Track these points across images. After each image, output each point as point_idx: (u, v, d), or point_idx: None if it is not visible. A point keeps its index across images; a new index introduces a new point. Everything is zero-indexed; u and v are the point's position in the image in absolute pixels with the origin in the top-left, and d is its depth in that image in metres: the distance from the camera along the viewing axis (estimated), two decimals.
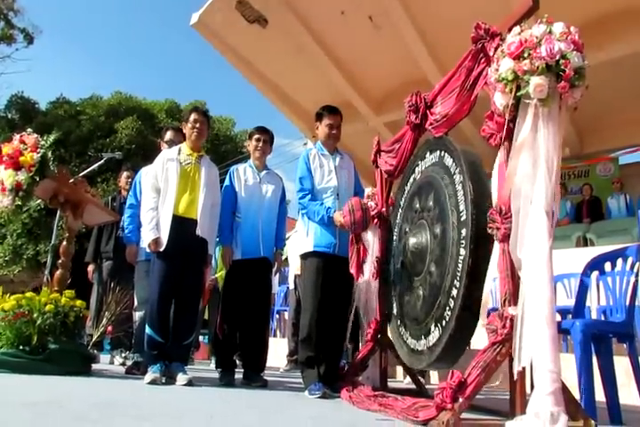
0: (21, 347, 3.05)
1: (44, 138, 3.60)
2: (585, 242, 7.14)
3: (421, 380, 4.03)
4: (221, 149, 16.76)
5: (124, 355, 4.52)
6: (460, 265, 2.30)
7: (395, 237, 3.21)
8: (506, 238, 2.03)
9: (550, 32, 1.83)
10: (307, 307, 3.24)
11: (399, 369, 5.07)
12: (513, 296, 2.01)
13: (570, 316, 4.49)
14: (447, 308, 2.35)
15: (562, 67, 1.80)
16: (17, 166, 3.42)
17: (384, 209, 3.47)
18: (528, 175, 1.94)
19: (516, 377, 1.89)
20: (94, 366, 3.50)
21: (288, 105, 8.13)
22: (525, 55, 1.84)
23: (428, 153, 2.86)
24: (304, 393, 2.99)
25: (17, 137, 3.58)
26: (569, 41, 1.82)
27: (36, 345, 3.06)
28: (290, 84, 7.78)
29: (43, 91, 55.45)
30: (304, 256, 3.37)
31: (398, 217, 3.21)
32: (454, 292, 2.32)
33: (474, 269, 2.23)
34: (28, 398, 2.10)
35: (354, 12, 6.24)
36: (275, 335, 7.97)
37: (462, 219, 2.35)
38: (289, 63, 7.23)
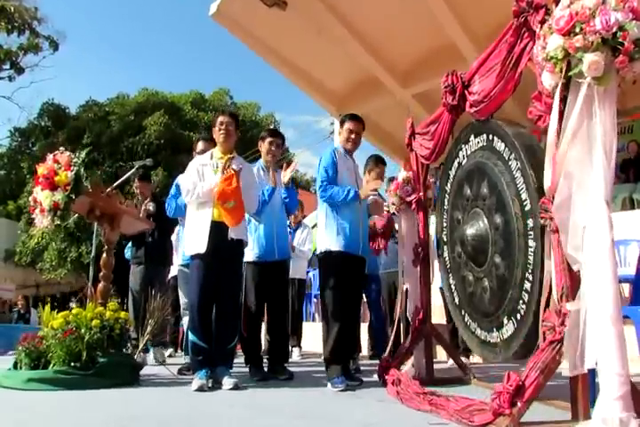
0: (72, 364, 3.09)
1: (76, 155, 3.55)
2: (632, 204, 6.74)
3: (465, 361, 3.99)
4: (248, 135, 16.71)
5: (168, 352, 4.58)
6: (530, 258, 2.17)
7: (445, 224, 3.07)
8: None
9: (604, 1, 1.63)
10: (332, 307, 3.31)
11: (440, 349, 4.95)
12: (570, 291, 1.88)
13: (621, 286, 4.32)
14: (521, 301, 2.24)
15: (619, 39, 1.61)
16: (53, 187, 3.42)
17: (422, 194, 3.35)
18: (582, 160, 1.77)
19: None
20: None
21: (313, 86, 8.01)
22: (577, 30, 1.64)
23: (473, 136, 2.68)
24: (327, 386, 3.11)
25: (50, 157, 3.56)
26: (627, 9, 1.61)
27: (86, 360, 3.10)
28: (313, 64, 7.64)
29: (71, 95, 56.24)
30: (329, 253, 3.34)
31: (446, 203, 3.06)
32: (527, 285, 2.19)
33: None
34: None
35: None
36: (314, 320, 7.93)
37: (527, 209, 2.19)
38: (310, 43, 7.07)
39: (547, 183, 1.94)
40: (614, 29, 1.60)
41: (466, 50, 6.39)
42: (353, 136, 3.52)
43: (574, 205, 1.79)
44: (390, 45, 6.97)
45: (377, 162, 4.30)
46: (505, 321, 2.35)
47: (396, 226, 3.99)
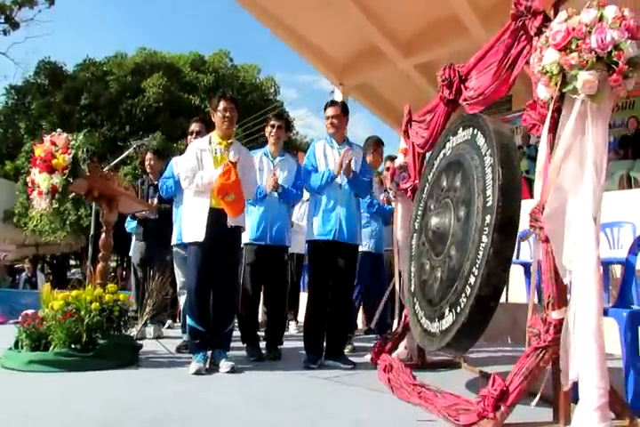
0: (72, 346, 3.14)
1: (74, 136, 3.51)
2: (629, 182, 6.72)
3: None
4: (248, 98, 16.40)
5: (166, 325, 4.68)
6: (480, 253, 2.18)
7: (419, 212, 3.12)
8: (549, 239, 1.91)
9: (601, 18, 1.60)
10: (312, 292, 3.52)
11: None
12: (557, 300, 1.92)
13: (614, 268, 4.36)
14: (463, 294, 2.26)
15: (614, 59, 1.58)
16: (51, 170, 3.39)
17: (417, 182, 3.35)
18: (575, 175, 1.78)
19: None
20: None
21: (313, 52, 7.81)
22: (573, 46, 1.62)
23: (461, 129, 2.68)
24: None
25: (47, 138, 3.51)
26: (623, 28, 1.58)
27: (86, 342, 3.16)
28: (313, 30, 7.41)
29: (68, 52, 54.47)
30: (308, 242, 3.62)
31: (425, 192, 3.08)
32: (472, 279, 2.21)
33: (495, 259, 2.12)
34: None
35: None
36: None
37: (488, 204, 2.21)
38: (310, 8, 6.82)
39: (537, 193, 1.95)
40: (609, 48, 1.58)
41: (469, 21, 6.22)
42: (329, 122, 3.63)
43: (568, 219, 1.81)
44: (392, 14, 6.74)
45: (376, 144, 4.54)
46: (446, 312, 2.39)
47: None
